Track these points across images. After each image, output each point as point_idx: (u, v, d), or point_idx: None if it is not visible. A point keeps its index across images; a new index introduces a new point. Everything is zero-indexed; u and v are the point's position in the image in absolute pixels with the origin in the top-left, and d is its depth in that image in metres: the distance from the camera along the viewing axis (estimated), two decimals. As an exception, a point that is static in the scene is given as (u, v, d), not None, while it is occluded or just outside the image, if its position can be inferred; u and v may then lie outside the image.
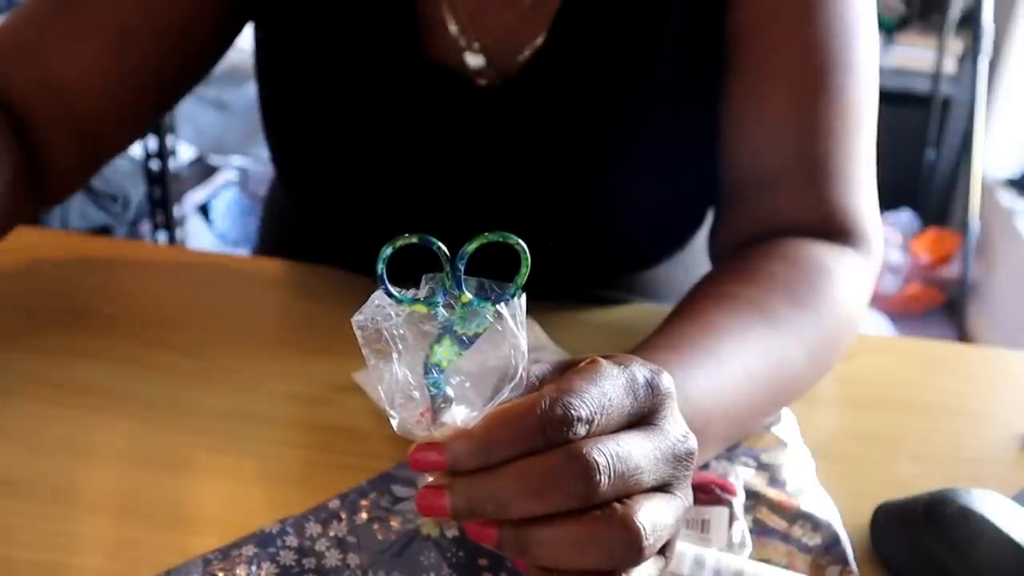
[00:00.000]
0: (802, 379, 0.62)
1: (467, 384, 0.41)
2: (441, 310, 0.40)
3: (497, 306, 0.40)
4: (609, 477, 0.38)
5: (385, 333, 0.40)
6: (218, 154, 2.61)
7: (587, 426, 0.39)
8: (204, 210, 2.58)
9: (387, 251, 0.40)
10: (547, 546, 0.39)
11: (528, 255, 0.41)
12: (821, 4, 0.66)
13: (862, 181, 0.69)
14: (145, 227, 2.29)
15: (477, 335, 0.40)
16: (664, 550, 0.43)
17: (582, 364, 0.42)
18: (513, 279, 0.41)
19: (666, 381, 0.43)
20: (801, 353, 0.61)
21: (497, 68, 0.70)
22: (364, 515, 0.54)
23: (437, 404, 0.40)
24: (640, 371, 0.42)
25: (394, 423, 0.41)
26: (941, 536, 0.54)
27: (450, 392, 0.41)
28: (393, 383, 0.40)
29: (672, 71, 0.69)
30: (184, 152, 2.37)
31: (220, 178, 2.62)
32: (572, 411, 0.39)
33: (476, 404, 0.41)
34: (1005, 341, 2.23)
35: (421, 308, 0.40)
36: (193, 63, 0.74)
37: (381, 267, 0.40)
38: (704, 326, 0.58)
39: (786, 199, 0.69)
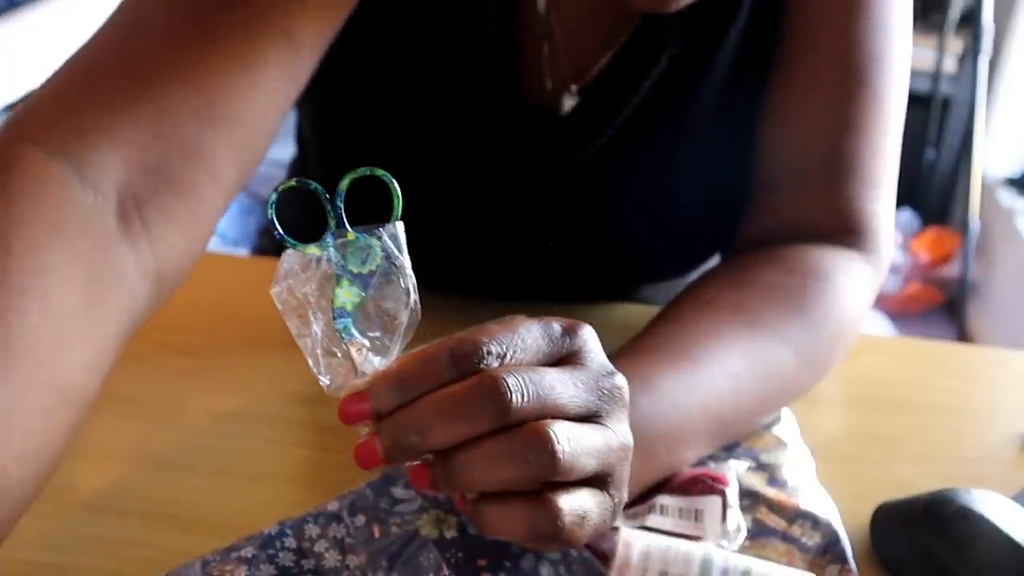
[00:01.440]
0: (794, 382, 0.62)
1: (376, 332, 0.42)
2: (333, 250, 0.42)
3: (377, 231, 0.42)
4: (521, 395, 0.40)
5: (300, 297, 0.41)
6: (218, 154, 2.60)
7: (499, 360, 0.41)
8: (204, 210, 2.58)
9: (273, 197, 0.42)
10: (469, 467, 0.40)
11: (397, 187, 0.43)
12: (865, 5, 0.66)
13: (883, 184, 0.69)
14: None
15: (372, 273, 0.42)
16: (606, 486, 0.43)
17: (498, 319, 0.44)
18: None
19: (585, 331, 0.44)
20: (789, 355, 0.60)
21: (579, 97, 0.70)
22: (363, 516, 0.54)
23: (354, 352, 0.42)
24: (556, 321, 0.44)
25: (324, 385, 0.42)
26: (941, 536, 0.54)
27: (361, 339, 0.42)
28: (315, 344, 0.42)
29: (728, 80, 0.69)
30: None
31: (220, 178, 2.61)
32: (482, 346, 0.41)
33: (389, 348, 0.42)
34: (1005, 341, 2.23)
35: (313, 249, 0.42)
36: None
37: (271, 213, 0.42)
38: (680, 330, 0.58)
39: (807, 194, 0.69)
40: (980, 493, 0.55)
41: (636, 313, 0.79)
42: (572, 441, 0.40)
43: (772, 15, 0.68)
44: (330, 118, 0.75)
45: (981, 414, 0.71)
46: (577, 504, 0.42)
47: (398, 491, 0.56)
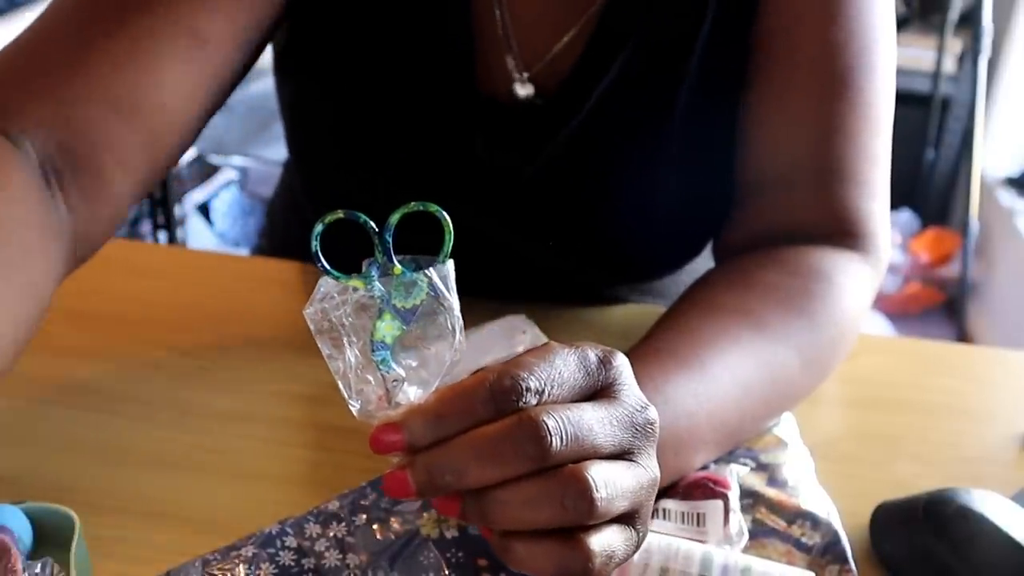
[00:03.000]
0: (797, 385, 0.62)
1: (415, 364, 0.42)
2: (378, 284, 0.41)
3: (426, 270, 0.41)
4: (561, 439, 0.39)
5: (335, 321, 0.41)
6: (218, 154, 2.61)
7: (537, 396, 0.40)
8: (204, 210, 2.58)
9: (318, 228, 0.41)
10: (504, 506, 0.40)
11: (450, 223, 0.42)
12: (845, 6, 0.66)
13: (876, 184, 0.69)
14: (145, 227, 2.29)
15: (416, 308, 0.41)
16: (633, 523, 0.43)
17: (534, 347, 0.43)
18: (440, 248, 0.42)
19: (619, 359, 0.44)
20: (794, 358, 0.60)
21: (537, 87, 0.70)
22: (364, 516, 0.54)
23: (390, 383, 0.41)
24: (591, 350, 0.43)
25: (354, 410, 0.42)
26: (941, 536, 0.54)
27: (400, 371, 0.41)
28: (348, 370, 0.41)
29: (700, 79, 0.69)
30: (184, 152, 2.37)
31: (220, 178, 2.62)
32: (520, 382, 0.40)
33: (427, 381, 0.42)
34: (1005, 341, 2.23)
35: (358, 283, 0.41)
36: (242, 72, 0.69)
37: (315, 245, 0.41)
38: (688, 334, 0.58)
39: (799, 199, 0.69)
40: (980, 493, 0.55)
41: (636, 313, 0.79)
42: (609, 486, 0.40)
43: (743, 14, 0.67)
44: (298, 114, 0.75)
45: (981, 414, 0.71)
46: (607, 543, 0.41)
47: (398, 491, 0.56)
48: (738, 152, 0.71)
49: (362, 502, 0.55)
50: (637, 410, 0.43)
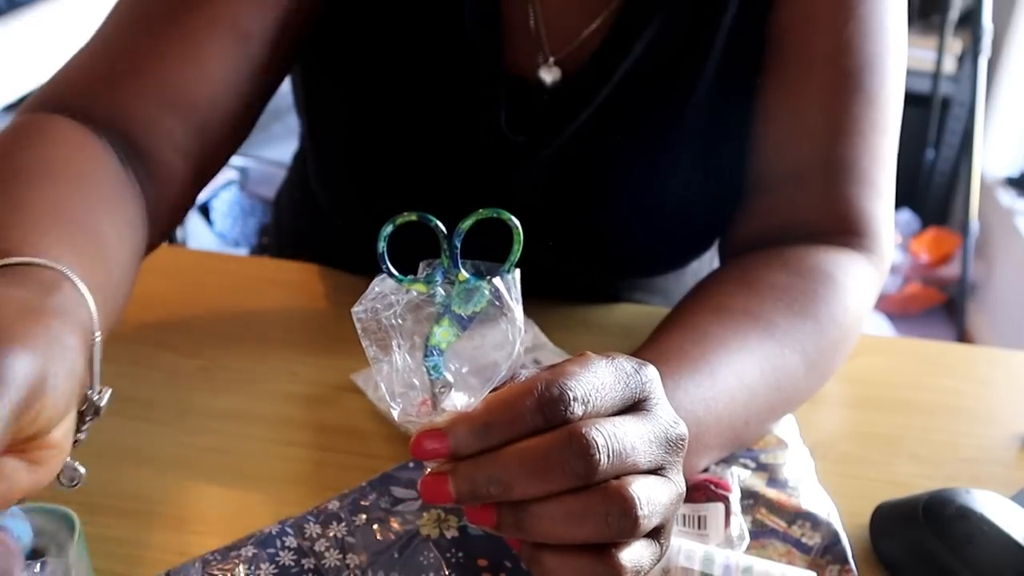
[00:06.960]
0: (801, 387, 0.62)
1: (465, 370, 0.41)
2: (440, 290, 0.41)
3: (492, 279, 0.41)
4: (608, 456, 0.39)
5: (385, 322, 0.40)
6: (218, 154, 2.60)
7: (583, 406, 0.40)
8: (204, 210, 2.58)
9: (388, 229, 0.40)
10: (544, 520, 0.40)
11: (520, 232, 0.41)
12: (861, 5, 0.66)
13: (882, 184, 0.69)
14: (145, 227, 2.29)
15: (475, 315, 0.41)
16: (659, 536, 0.43)
17: (572, 357, 0.43)
18: (507, 257, 0.41)
19: (651, 371, 0.44)
20: (799, 361, 0.60)
21: (563, 73, 0.70)
22: (364, 516, 0.54)
23: (437, 389, 0.41)
24: (626, 361, 0.43)
25: (395, 413, 0.41)
26: (941, 536, 0.54)
27: (449, 377, 0.41)
28: (393, 372, 0.41)
29: (718, 73, 0.69)
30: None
31: (220, 178, 2.61)
32: (568, 391, 0.40)
33: (475, 388, 0.41)
34: (1005, 341, 2.23)
35: (421, 287, 0.41)
36: (286, 64, 0.71)
37: (382, 246, 0.40)
38: (695, 336, 0.58)
39: (806, 196, 0.69)
40: (979, 493, 0.55)
41: (636, 313, 0.79)
42: (650, 503, 0.40)
43: (762, 9, 0.67)
44: (323, 101, 0.75)
45: (981, 414, 0.71)
46: (637, 558, 0.42)
47: (399, 491, 0.56)
48: (750, 148, 0.71)
49: (362, 502, 0.55)
50: (670, 425, 0.43)
